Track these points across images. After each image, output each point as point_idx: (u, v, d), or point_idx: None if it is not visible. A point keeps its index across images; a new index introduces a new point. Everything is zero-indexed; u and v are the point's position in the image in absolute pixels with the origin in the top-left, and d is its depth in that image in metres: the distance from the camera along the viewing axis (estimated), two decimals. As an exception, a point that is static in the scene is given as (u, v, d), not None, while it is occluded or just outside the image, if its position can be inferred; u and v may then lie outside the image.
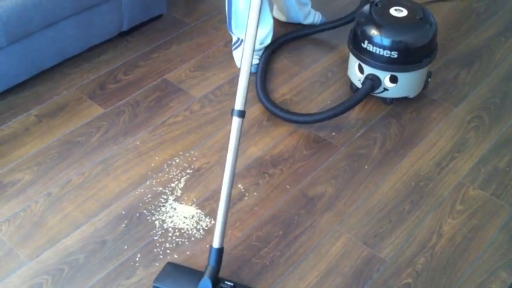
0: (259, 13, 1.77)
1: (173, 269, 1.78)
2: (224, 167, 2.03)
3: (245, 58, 1.76)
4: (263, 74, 2.45)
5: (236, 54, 2.57)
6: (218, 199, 2.00)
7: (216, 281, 1.69)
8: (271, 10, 2.47)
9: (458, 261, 1.86)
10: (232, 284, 1.70)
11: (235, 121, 1.74)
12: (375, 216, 1.98)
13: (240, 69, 1.76)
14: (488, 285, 1.80)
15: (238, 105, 1.75)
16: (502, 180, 2.11)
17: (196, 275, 1.71)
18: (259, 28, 2.47)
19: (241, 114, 1.75)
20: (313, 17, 2.78)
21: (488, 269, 1.84)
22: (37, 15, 2.21)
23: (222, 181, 2.07)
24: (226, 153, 1.73)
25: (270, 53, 2.56)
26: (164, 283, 1.74)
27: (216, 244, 1.71)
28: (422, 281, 1.80)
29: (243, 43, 1.78)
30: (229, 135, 1.73)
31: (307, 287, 1.78)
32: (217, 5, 2.88)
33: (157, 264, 1.82)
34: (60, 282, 1.77)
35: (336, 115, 2.23)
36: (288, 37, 2.66)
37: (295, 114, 2.28)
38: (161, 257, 1.84)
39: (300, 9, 2.71)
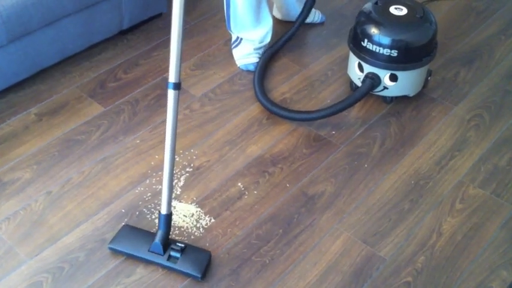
0: None
1: (128, 232, 1.86)
2: (222, 163, 2.02)
3: (174, 26, 1.63)
4: (262, 72, 2.44)
5: (236, 52, 2.56)
6: (218, 198, 2.01)
7: (167, 243, 1.79)
8: (271, 9, 2.47)
9: (458, 259, 1.86)
10: (183, 245, 1.78)
11: (171, 94, 1.70)
12: (375, 215, 1.98)
13: (171, 39, 1.65)
14: (488, 284, 1.80)
15: (172, 77, 1.70)
16: (502, 178, 2.11)
17: (150, 237, 1.81)
18: (258, 27, 2.50)
19: (176, 86, 1.70)
20: (314, 16, 2.77)
21: (489, 267, 1.84)
22: (37, 14, 2.20)
23: (222, 179, 2.08)
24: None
25: (271, 53, 2.55)
26: (119, 245, 1.82)
27: (164, 211, 1.78)
28: (422, 280, 1.80)
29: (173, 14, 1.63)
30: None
31: (307, 286, 1.78)
32: (217, 4, 2.88)
33: (157, 262, 1.83)
34: (60, 280, 1.77)
35: (335, 113, 2.23)
36: (289, 35, 2.65)
37: (294, 112, 2.28)
38: (161, 255, 1.85)
39: (300, 8, 2.70)
